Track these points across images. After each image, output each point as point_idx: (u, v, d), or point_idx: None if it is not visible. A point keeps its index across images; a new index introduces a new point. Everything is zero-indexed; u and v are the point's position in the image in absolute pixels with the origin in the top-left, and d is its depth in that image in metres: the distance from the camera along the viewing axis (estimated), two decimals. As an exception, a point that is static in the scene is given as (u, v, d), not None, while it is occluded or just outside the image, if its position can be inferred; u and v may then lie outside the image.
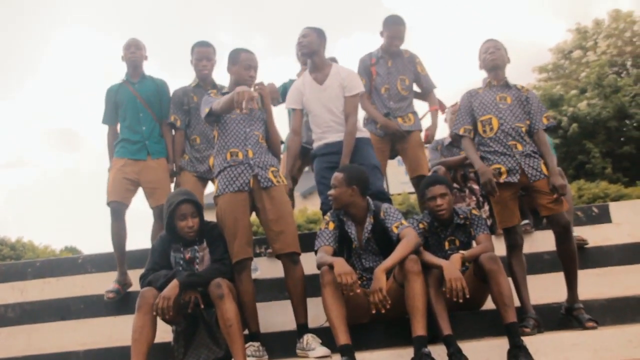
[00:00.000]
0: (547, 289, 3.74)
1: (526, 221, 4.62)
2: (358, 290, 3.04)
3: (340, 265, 3.03)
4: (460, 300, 2.99)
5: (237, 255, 3.25)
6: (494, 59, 3.59)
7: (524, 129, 3.47)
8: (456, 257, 3.21)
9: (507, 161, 3.41)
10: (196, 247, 3.31)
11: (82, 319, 4.05)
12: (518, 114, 3.51)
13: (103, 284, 4.23)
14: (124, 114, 4.33)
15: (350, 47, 58.29)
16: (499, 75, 3.61)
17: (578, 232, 4.43)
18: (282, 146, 3.79)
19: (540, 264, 4.13)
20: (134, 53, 4.37)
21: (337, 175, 3.36)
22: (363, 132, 4.05)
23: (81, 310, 4.13)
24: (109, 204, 4.13)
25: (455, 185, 4.74)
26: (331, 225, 3.39)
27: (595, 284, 3.90)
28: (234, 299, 3.08)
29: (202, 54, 4.27)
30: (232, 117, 3.40)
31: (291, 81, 4.77)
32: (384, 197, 3.87)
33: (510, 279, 3.36)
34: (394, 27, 4.51)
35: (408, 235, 3.19)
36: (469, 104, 3.61)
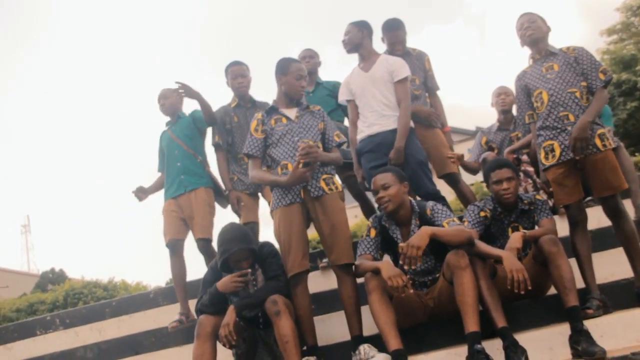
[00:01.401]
0: (618, 265, 3.47)
1: (589, 198, 4.34)
2: (411, 291, 2.96)
3: (388, 268, 2.94)
4: (522, 292, 2.83)
5: (292, 269, 3.23)
6: (531, 34, 3.43)
7: (578, 94, 3.24)
8: (517, 236, 3.06)
9: (559, 136, 3.22)
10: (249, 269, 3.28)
11: (154, 351, 4.17)
12: (569, 78, 3.29)
13: (173, 315, 4.35)
14: (165, 157, 4.55)
15: (423, 43, 57.54)
16: (540, 47, 3.43)
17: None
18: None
19: (610, 238, 3.84)
20: (163, 105, 4.62)
21: (386, 175, 3.25)
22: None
23: (152, 343, 4.26)
24: (166, 245, 4.33)
25: None
26: (372, 233, 3.31)
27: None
28: (290, 314, 3.07)
29: (237, 72, 4.38)
30: (279, 129, 3.38)
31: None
32: (433, 197, 3.75)
33: (575, 259, 3.20)
34: (391, 33, 4.42)
35: (459, 227, 3.06)
36: (523, 87, 3.44)
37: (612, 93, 13.10)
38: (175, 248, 4.30)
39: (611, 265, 3.48)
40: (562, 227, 3.58)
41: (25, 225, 25.38)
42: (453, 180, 4.33)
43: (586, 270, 3.17)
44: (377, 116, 3.87)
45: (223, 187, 4.46)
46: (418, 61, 4.50)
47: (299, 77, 3.44)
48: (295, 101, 3.49)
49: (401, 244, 2.92)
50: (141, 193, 4.55)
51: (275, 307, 2.99)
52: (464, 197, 4.43)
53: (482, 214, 3.32)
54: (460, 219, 3.42)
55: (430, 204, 3.32)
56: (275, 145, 3.38)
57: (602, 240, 3.80)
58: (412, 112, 3.97)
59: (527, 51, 3.54)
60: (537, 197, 3.33)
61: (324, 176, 3.35)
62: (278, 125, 3.41)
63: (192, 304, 4.23)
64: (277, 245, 3.46)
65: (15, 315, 9.42)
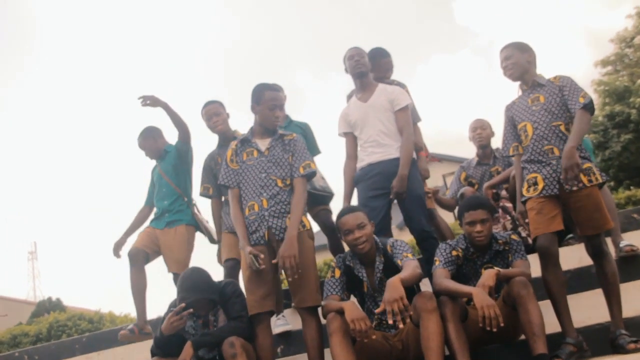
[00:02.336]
0: (594, 308, 3.34)
1: (570, 235, 4.23)
2: (374, 336, 2.84)
3: (352, 309, 2.84)
4: (494, 329, 2.71)
5: (251, 309, 3.12)
6: (510, 74, 3.31)
7: (562, 127, 3.12)
8: (491, 273, 2.91)
9: (543, 169, 3.11)
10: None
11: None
12: (554, 110, 3.17)
13: (144, 353, 4.18)
14: (154, 191, 4.57)
15: (430, 72, 57.80)
16: (526, 79, 3.31)
17: (633, 238, 4.00)
18: None
19: (588, 279, 3.73)
20: (147, 154, 4.62)
21: (359, 215, 3.15)
22: None
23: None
24: (128, 253, 4.27)
25: None
26: (337, 273, 3.21)
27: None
28: (248, 357, 2.97)
29: (210, 112, 4.23)
30: (249, 164, 3.27)
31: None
32: (427, 236, 3.69)
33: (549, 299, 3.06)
34: (385, 60, 4.39)
35: (408, 264, 2.97)
36: (508, 118, 3.35)
37: (605, 125, 13.08)
38: (137, 257, 4.24)
39: (588, 309, 3.35)
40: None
41: (32, 252, 25.18)
42: (429, 217, 4.20)
43: (560, 310, 3.01)
44: (376, 145, 3.79)
45: (214, 235, 4.42)
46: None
47: (272, 107, 3.28)
48: (270, 131, 3.35)
49: (381, 307, 2.77)
50: (118, 250, 4.48)
51: (231, 350, 2.91)
52: (441, 233, 4.32)
53: (454, 253, 3.19)
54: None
55: (390, 240, 3.23)
56: (244, 183, 3.27)
57: (581, 281, 3.68)
58: None
59: None
60: (513, 237, 3.20)
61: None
62: (249, 159, 3.30)
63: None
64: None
65: (-3, 347, 9.25)
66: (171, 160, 4.47)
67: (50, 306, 13.05)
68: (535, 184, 3.11)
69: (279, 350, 3.98)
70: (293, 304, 4.26)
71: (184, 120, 4.33)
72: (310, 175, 3.33)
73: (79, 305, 16.96)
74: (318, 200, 4.20)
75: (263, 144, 3.32)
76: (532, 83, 3.28)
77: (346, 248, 3.42)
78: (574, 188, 3.01)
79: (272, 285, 3.21)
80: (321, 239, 4.22)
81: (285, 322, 4.06)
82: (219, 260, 4.22)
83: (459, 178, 4.83)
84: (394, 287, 2.77)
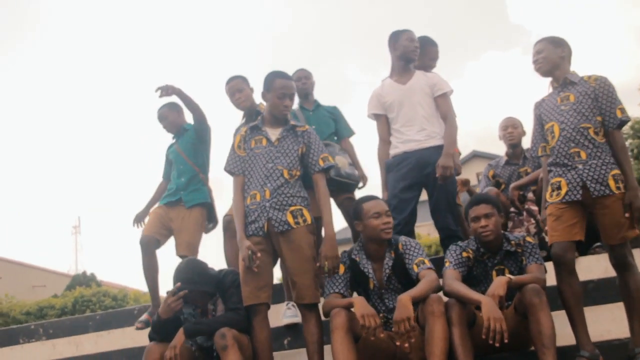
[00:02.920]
0: (614, 321, 3.16)
1: (598, 244, 4.02)
2: (382, 335, 2.74)
3: (363, 305, 2.76)
4: (497, 344, 2.57)
5: (246, 300, 3.04)
6: (539, 68, 3.13)
7: (591, 130, 2.93)
8: (502, 281, 2.75)
9: (567, 173, 2.93)
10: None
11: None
12: (584, 111, 2.96)
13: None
14: (171, 168, 4.51)
15: (481, 69, 56.89)
16: (556, 75, 3.11)
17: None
18: None
19: (612, 290, 3.52)
20: (165, 127, 4.54)
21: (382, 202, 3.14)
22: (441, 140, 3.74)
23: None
24: (140, 241, 4.21)
25: (512, 209, 4.25)
26: (341, 269, 3.09)
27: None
28: (241, 349, 2.91)
29: (233, 88, 4.16)
30: (257, 152, 3.17)
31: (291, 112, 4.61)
32: (452, 234, 3.61)
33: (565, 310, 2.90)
34: (434, 48, 4.27)
35: (428, 277, 2.88)
36: (537, 117, 3.16)
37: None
38: (148, 245, 4.18)
39: (609, 322, 3.16)
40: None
41: (76, 226, 25.62)
42: (457, 215, 4.02)
43: (576, 321, 2.84)
44: (416, 130, 3.70)
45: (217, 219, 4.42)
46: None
47: (281, 96, 3.16)
48: (281, 120, 3.25)
49: (394, 328, 2.70)
50: (139, 221, 4.48)
51: (222, 341, 2.85)
52: (467, 234, 4.16)
53: (465, 254, 3.04)
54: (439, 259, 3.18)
55: (402, 238, 3.12)
56: (249, 171, 3.18)
57: (605, 292, 3.48)
58: None
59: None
60: (528, 239, 3.04)
61: (292, 208, 3.08)
62: (257, 147, 3.19)
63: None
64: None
65: (24, 318, 9.49)
66: (190, 139, 4.40)
67: (84, 280, 13.31)
68: (559, 188, 2.93)
69: (285, 342, 3.91)
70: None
71: (198, 104, 4.26)
72: (330, 168, 3.27)
73: (116, 281, 17.39)
74: (343, 187, 4.14)
75: (273, 133, 3.22)
76: (564, 80, 3.08)
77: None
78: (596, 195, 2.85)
79: (269, 277, 3.13)
80: (342, 233, 4.14)
81: (294, 313, 3.96)
82: None
83: (487, 176, 4.67)
84: (404, 306, 2.70)
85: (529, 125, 4.06)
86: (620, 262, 2.88)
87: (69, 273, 18.98)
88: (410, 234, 3.59)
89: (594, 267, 3.80)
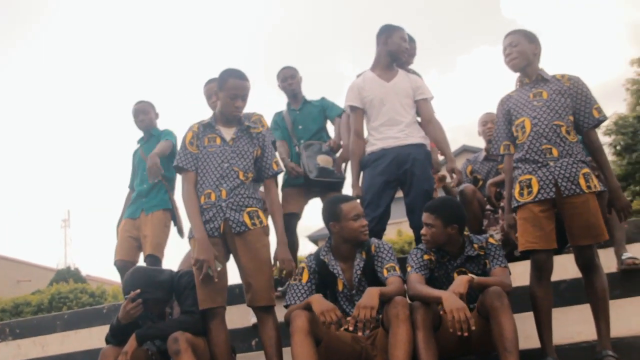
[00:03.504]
0: (588, 322, 3.09)
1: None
2: (350, 327, 2.64)
3: (320, 301, 2.69)
4: (465, 334, 2.49)
5: (202, 304, 2.95)
6: (513, 61, 3.01)
7: (564, 129, 2.85)
8: (463, 279, 2.68)
9: (538, 171, 2.84)
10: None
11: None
12: (557, 109, 2.88)
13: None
14: (136, 178, 4.44)
15: (472, 63, 56.96)
16: (528, 72, 3.02)
17: (636, 250, 3.70)
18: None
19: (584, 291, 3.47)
20: (142, 121, 4.46)
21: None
22: (425, 139, 3.69)
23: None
24: (114, 264, 4.24)
25: (488, 207, 4.17)
26: (305, 276, 3.01)
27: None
28: (196, 353, 2.82)
29: (211, 90, 3.96)
30: (210, 150, 3.07)
31: (278, 114, 4.53)
32: None
33: (533, 313, 2.84)
34: (412, 44, 4.21)
35: (396, 283, 2.83)
36: (503, 113, 3.05)
37: (635, 127, 12.51)
38: (123, 270, 4.11)
39: (579, 323, 3.10)
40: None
41: (65, 220, 25.21)
42: None
43: (544, 328, 2.78)
44: (397, 130, 3.60)
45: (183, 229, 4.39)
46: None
47: (233, 96, 3.06)
48: (235, 120, 3.17)
49: (354, 312, 2.63)
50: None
51: (175, 346, 2.76)
52: None
53: (426, 257, 2.98)
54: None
55: (375, 240, 3.06)
56: (202, 170, 3.07)
57: (577, 293, 3.41)
58: None
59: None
60: (491, 240, 2.97)
61: (248, 209, 3.01)
62: (210, 145, 3.09)
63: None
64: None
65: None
66: (155, 145, 4.30)
67: (69, 275, 13.12)
68: (529, 186, 2.84)
69: (253, 343, 3.82)
70: (278, 293, 4.15)
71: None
72: (280, 173, 3.29)
73: (106, 276, 17.20)
74: (328, 186, 4.10)
75: (227, 132, 3.13)
76: (536, 77, 3.01)
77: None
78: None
79: (224, 279, 3.04)
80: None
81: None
82: None
83: (465, 171, 4.58)
84: (371, 296, 2.65)
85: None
86: (588, 264, 2.82)
87: (58, 267, 18.80)
88: (381, 232, 3.52)
89: (568, 267, 3.71)
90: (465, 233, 3.01)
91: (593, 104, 2.91)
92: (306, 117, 4.40)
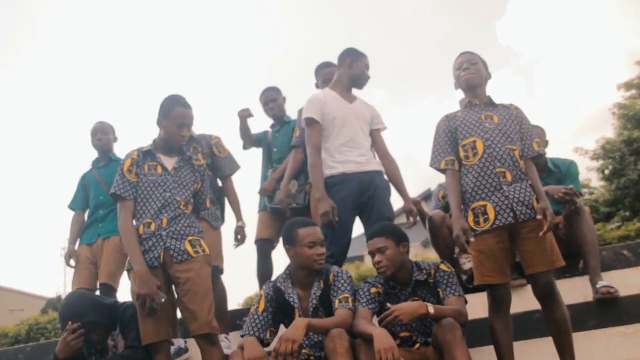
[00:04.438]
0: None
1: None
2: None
3: (250, 348, 2.62)
4: None
5: (145, 338, 2.82)
6: (470, 76, 2.95)
7: (516, 152, 2.79)
8: (420, 304, 2.58)
9: (492, 196, 2.74)
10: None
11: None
12: (509, 133, 2.83)
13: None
14: (87, 198, 4.31)
15: None
16: (478, 93, 2.97)
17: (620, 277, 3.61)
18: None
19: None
20: (100, 139, 4.32)
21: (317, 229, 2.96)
22: (382, 167, 3.59)
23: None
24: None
25: None
26: (261, 305, 2.90)
27: (622, 345, 3.06)
28: None
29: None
30: (151, 179, 2.97)
31: (264, 133, 4.47)
32: None
33: (494, 348, 2.75)
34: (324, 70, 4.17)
35: (340, 316, 2.71)
36: (448, 129, 2.95)
37: (622, 151, 12.43)
38: None
39: (551, 355, 2.96)
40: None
41: (64, 247, 25.02)
42: None
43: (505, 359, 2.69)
44: (358, 154, 3.47)
45: None
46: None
47: (180, 125, 2.99)
48: (176, 149, 3.08)
49: (274, 348, 2.53)
50: (69, 260, 4.26)
51: None
52: None
53: (374, 290, 2.87)
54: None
55: (335, 268, 2.94)
56: (142, 198, 2.96)
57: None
58: None
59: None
60: (442, 267, 2.86)
61: (190, 237, 2.92)
62: (150, 174, 2.99)
63: None
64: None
65: (-24, 346, 9.05)
66: (114, 172, 4.21)
67: (58, 304, 12.79)
68: (485, 213, 2.73)
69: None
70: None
71: None
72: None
73: None
74: (293, 211, 3.96)
75: (169, 162, 3.04)
76: (487, 100, 2.97)
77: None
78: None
79: (168, 312, 2.92)
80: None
81: (227, 345, 3.74)
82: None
83: (437, 196, 4.46)
84: (295, 328, 2.56)
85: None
86: (547, 291, 2.69)
87: (52, 296, 18.52)
88: (343, 260, 3.39)
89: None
90: (414, 260, 2.93)
91: (534, 136, 2.91)
92: (282, 140, 4.34)
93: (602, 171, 12.70)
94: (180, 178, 3.01)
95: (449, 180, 2.89)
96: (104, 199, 4.16)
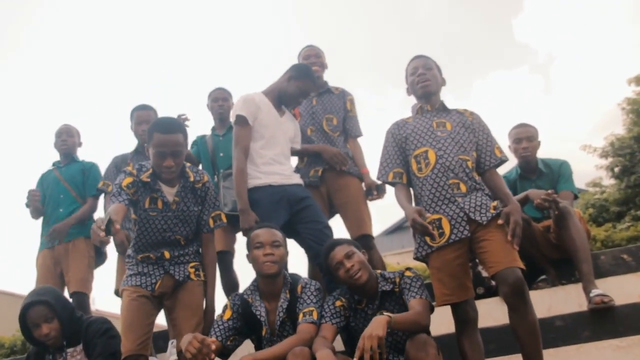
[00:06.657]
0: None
1: (542, 277, 3.62)
2: None
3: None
4: None
5: (124, 352, 2.71)
6: (426, 86, 2.81)
7: (470, 163, 2.65)
8: (382, 320, 2.35)
9: (446, 208, 2.59)
10: (69, 350, 2.86)
11: None
12: (462, 142, 2.69)
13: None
14: (46, 199, 4.12)
15: (488, 88, 57.20)
16: (432, 100, 2.83)
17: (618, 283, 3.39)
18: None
19: (551, 333, 3.11)
20: (65, 141, 4.23)
21: (275, 232, 2.76)
22: (300, 179, 3.45)
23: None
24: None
25: None
26: (227, 314, 2.73)
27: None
28: None
29: (142, 117, 3.82)
30: (152, 214, 2.78)
31: (201, 138, 4.21)
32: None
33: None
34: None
35: (300, 333, 2.54)
36: (402, 138, 2.79)
37: (632, 148, 12.08)
38: None
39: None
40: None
41: None
42: (366, 245, 3.45)
43: None
44: (285, 167, 3.36)
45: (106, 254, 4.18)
46: (338, 100, 3.93)
47: (161, 155, 2.67)
48: (169, 180, 2.81)
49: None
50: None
51: None
52: (373, 267, 3.73)
53: (338, 303, 2.70)
54: None
55: (303, 280, 2.76)
56: (142, 232, 2.82)
57: (546, 335, 3.06)
58: (315, 152, 3.69)
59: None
60: (407, 273, 2.69)
61: (192, 264, 2.89)
62: (151, 208, 2.78)
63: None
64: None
65: (-27, 358, 8.97)
66: (78, 173, 4.11)
67: None
68: (440, 227, 2.56)
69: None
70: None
71: None
72: (220, 227, 3.02)
73: (115, 310, 16.73)
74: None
75: (169, 192, 2.82)
76: (440, 106, 2.82)
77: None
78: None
79: (149, 328, 2.81)
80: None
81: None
82: None
83: None
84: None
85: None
86: (518, 289, 2.43)
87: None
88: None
89: (537, 304, 3.36)
90: (378, 271, 2.76)
91: (495, 142, 2.79)
92: (229, 144, 4.04)
93: (612, 169, 12.35)
94: (182, 211, 2.83)
95: (398, 193, 2.74)
96: (64, 197, 4.03)
